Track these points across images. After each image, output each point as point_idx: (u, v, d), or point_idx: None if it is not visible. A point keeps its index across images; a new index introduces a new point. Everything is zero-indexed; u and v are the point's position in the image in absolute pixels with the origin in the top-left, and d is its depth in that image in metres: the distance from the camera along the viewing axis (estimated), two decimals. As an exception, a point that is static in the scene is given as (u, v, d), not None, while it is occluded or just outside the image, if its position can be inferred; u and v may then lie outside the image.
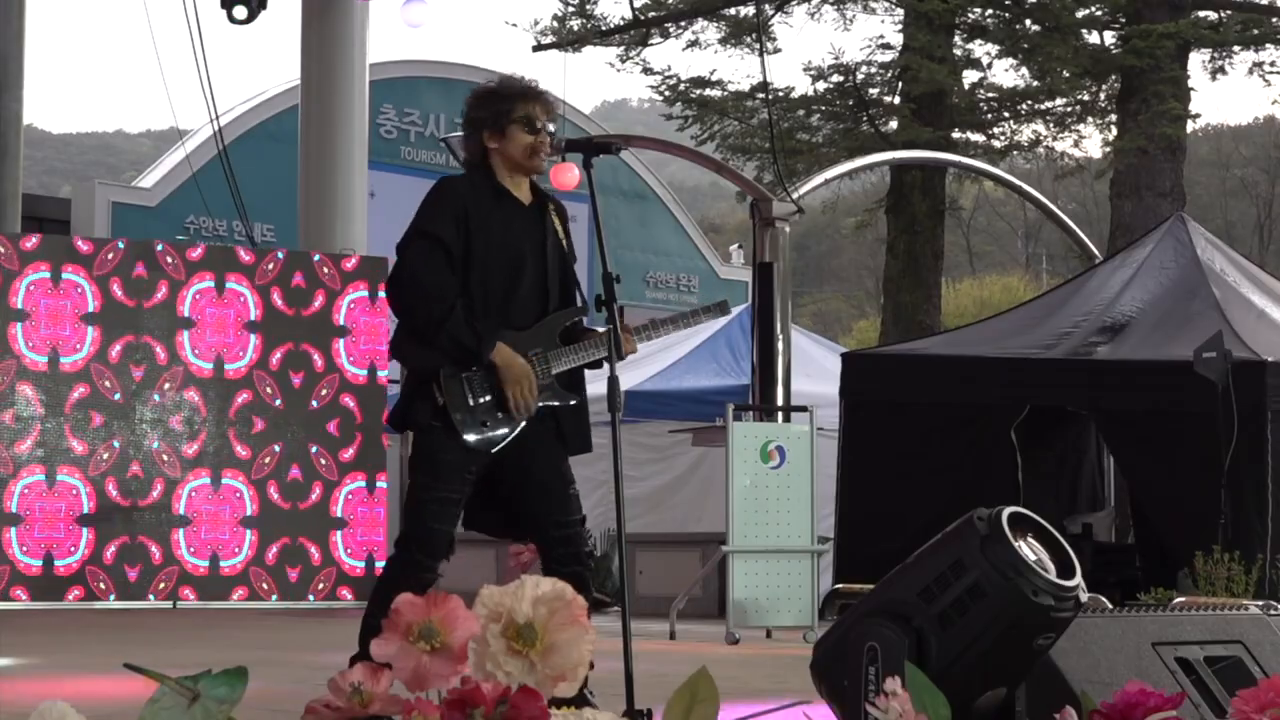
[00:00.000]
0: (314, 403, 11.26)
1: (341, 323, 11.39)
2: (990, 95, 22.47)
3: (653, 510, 14.03)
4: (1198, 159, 33.08)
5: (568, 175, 15.82)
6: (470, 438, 4.80)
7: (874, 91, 22.65)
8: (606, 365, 4.71)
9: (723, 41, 22.46)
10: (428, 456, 4.87)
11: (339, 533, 11.43)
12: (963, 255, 41.54)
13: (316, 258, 11.23)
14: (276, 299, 11.07)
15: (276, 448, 11.24)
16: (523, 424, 4.86)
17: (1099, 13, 21.49)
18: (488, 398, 4.81)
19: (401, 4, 15.58)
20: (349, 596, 11.44)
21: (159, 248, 10.86)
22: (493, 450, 4.83)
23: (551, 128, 4.97)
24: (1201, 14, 21.26)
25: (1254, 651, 3.66)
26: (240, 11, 13.10)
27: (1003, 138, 22.72)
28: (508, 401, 4.82)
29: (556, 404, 4.93)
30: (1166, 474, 10.37)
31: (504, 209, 4.94)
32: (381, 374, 11.46)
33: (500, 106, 4.92)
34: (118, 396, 10.72)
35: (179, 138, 19.17)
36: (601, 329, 4.92)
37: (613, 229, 20.97)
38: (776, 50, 26.02)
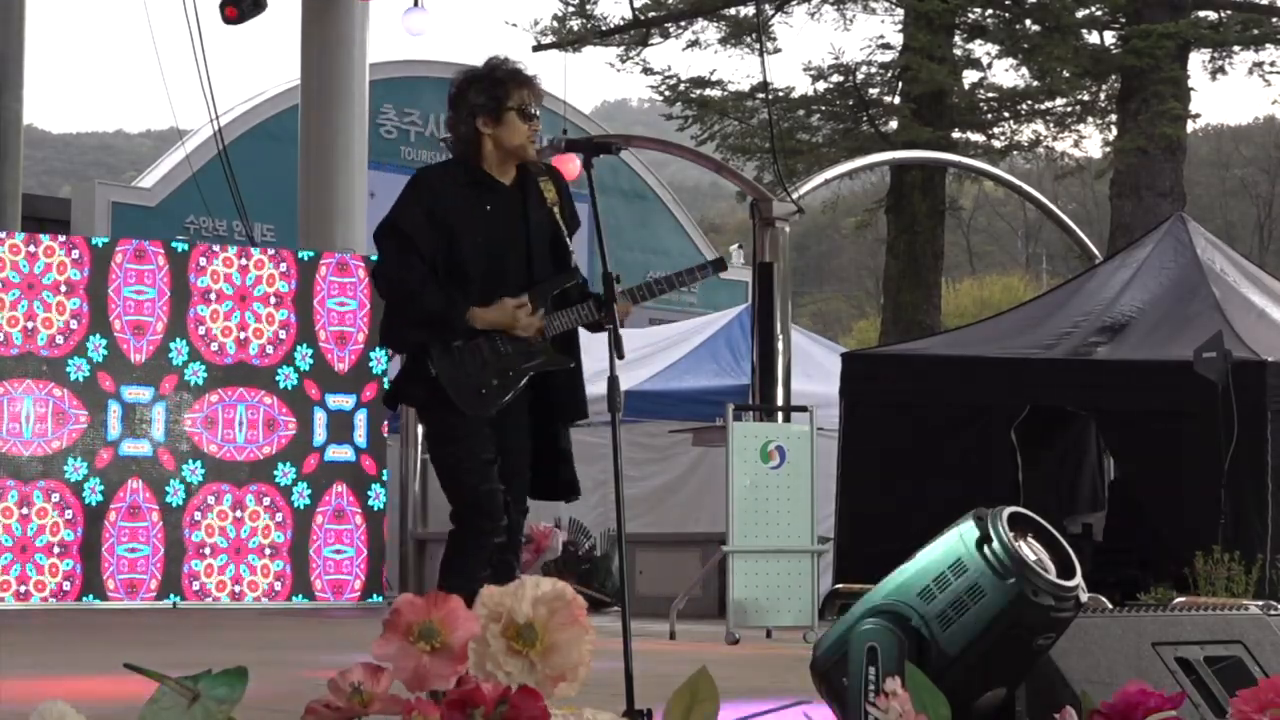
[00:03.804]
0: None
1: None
2: (990, 95, 22.47)
3: (653, 510, 14.02)
4: (1198, 159, 33.07)
5: (569, 165, 15.84)
6: (466, 407, 4.92)
7: (874, 91, 22.66)
8: (607, 365, 4.72)
9: (723, 41, 22.46)
10: (447, 429, 5.01)
11: (347, 533, 11.46)
12: (963, 255, 41.54)
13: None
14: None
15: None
16: (517, 388, 4.95)
17: (1099, 13, 21.49)
18: (478, 365, 4.94)
19: (402, 13, 15.63)
20: (351, 598, 11.45)
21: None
22: (491, 413, 4.96)
23: (537, 113, 5.10)
24: (1201, 14, 21.26)
25: (1254, 651, 3.66)
26: (231, 11, 13.08)
27: (1003, 138, 22.73)
28: (529, 348, 4.99)
29: (553, 369, 5.01)
30: (1166, 474, 10.37)
31: (480, 195, 5.06)
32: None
33: (496, 92, 5.02)
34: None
35: (179, 138, 19.16)
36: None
37: (613, 229, 20.95)
38: (776, 50, 26.02)
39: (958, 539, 3.18)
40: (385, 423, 11.87)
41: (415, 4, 15.48)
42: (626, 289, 5.07)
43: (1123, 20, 21.05)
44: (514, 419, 5.03)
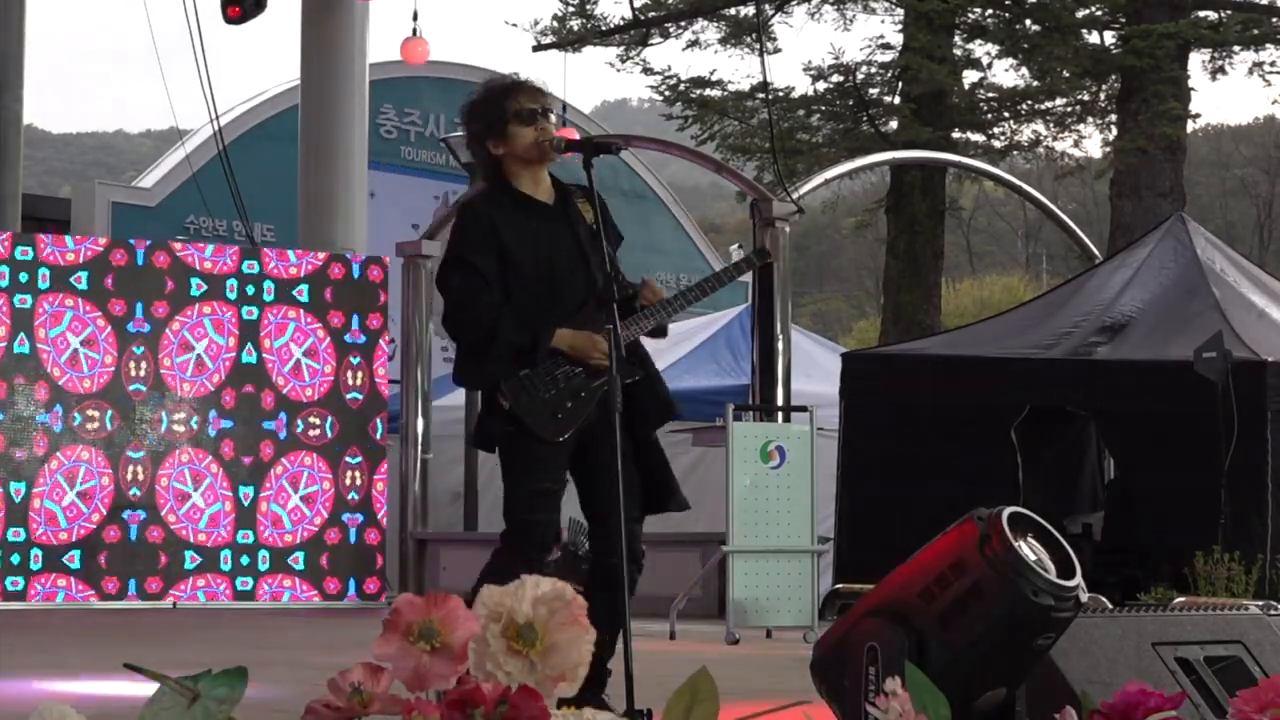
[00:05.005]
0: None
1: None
2: (990, 95, 22.47)
3: (653, 510, 14.01)
4: (1198, 159, 33.06)
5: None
6: (544, 433, 4.80)
7: (874, 91, 22.65)
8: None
9: (723, 41, 22.45)
10: (513, 459, 4.91)
11: (345, 532, 11.48)
12: (963, 255, 41.52)
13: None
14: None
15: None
16: (590, 409, 4.85)
17: (1099, 13, 21.49)
18: (551, 391, 4.81)
19: (401, 41, 15.73)
20: (354, 597, 11.47)
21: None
22: (565, 437, 4.85)
23: (550, 113, 4.95)
24: (1201, 14, 21.25)
25: (1254, 651, 3.66)
26: (234, 11, 13.09)
27: (1003, 138, 22.72)
28: (594, 370, 4.83)
29: (625, 380, 4.88)
30: (1167, 474, 10.37)
31: (528, 217, 4.91)
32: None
33: (492, 110, 4.90)
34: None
35: (179, 138, 19.15)
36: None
37: (613, 229, 20.89)
38: (776, 50, 26.00)
39: (958, 539, 3.18)
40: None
41: (414, 33, 15.59)
42: (670, 299, 5.13)
43: (1123, 20, 21.04)
44: (605, 436, 4.85)
